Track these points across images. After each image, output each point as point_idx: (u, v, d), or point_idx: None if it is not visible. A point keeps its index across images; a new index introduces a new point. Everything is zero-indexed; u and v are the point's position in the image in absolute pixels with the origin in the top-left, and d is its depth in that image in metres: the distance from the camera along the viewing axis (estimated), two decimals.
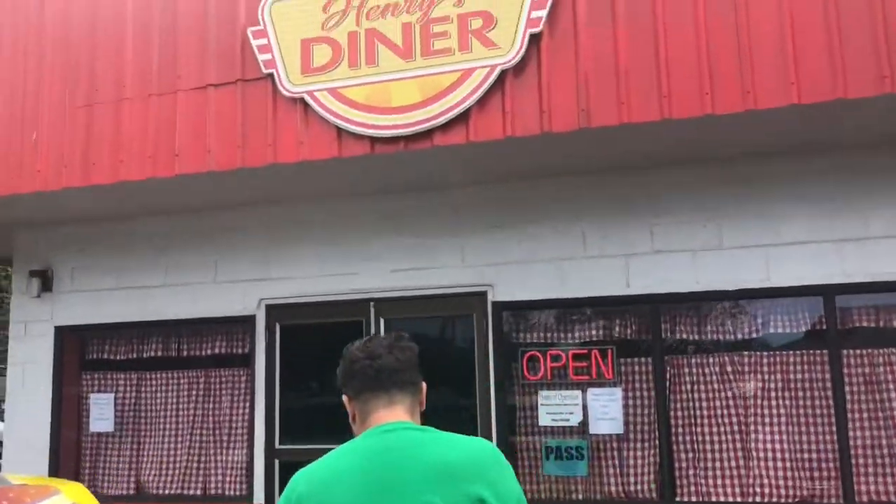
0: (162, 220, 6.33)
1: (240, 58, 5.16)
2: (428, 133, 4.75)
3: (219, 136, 5.11)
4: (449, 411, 5.83)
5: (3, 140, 5.56)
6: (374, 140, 4.83)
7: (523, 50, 4.57)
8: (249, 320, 6.09)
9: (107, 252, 6.50)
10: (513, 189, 5.61)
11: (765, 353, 5.16)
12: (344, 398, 1.89)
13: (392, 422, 1.77)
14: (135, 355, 6.52)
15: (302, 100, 4.96)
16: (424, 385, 1.88)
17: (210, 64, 5.21)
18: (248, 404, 6.10)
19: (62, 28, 5.57)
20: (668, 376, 5.27)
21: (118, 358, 6.56)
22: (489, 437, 5.37)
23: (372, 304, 5.81)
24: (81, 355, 6.66)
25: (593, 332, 5.50)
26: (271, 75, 5.05)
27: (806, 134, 4.79)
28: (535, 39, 4.59)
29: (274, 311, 6.04)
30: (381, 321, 5.79)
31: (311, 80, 4.95)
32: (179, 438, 6.33)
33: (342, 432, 1.88)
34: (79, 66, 5.48)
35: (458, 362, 5.78)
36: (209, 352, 6.35)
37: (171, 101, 5.25)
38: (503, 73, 4.62)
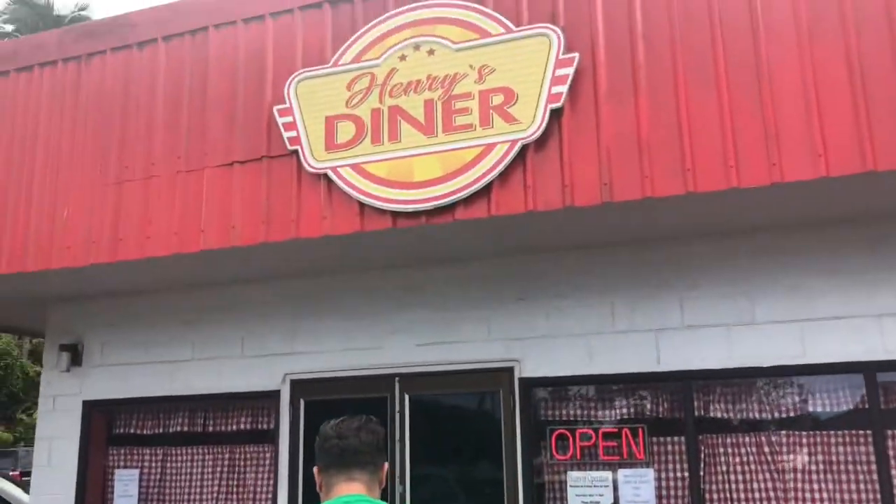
0: (190, 294, 6.36)
1: (266, 135, 5.22)
2: (450, 207, 4.72)
3: (243, 211, 5.15)
4: (475, 489, 5.67)
5: (35, 217, 5.68)
6: (396, 214, 4.81)
7: (544, 125, 4.55)
8: (274, 395, 6.03)
9: (136, 326, 6.53)
10: (539, 261, 5.53)
11: (804, 433, 4.93)
12: (315, 469, 2.22)
13: (351, 494, 2.08)
14: (161, 430, 6.49)
15: (325, 175, 4.99)
16: (386, 465, 2.21)
17: (237, 141, 5.28)
18: (272, 481, 5.99)
19: (96, 107, 5.72)
20: (702, 456, 5.06)
21: (144, 433, 6.53)
22: None
23: (397, 379, 5.72)
24: (108, 430, 6.65)
25: (624, 410, 5.32)
26: (296, 151, 5.09)
27: (837, 205, 4.66)
28: (556, 114, 4.57)
29: (298, 387, 5.97)
30: (406, 397, 5.69)
31: (335, 156, 4.98)
32: None
33: None
34: (110, 145, 5.60)
35: (484, 439, 5.62)
36: (234, 427, 6.29)
37: (197, 178, 5.32)
38: (524, 148, 4.60)
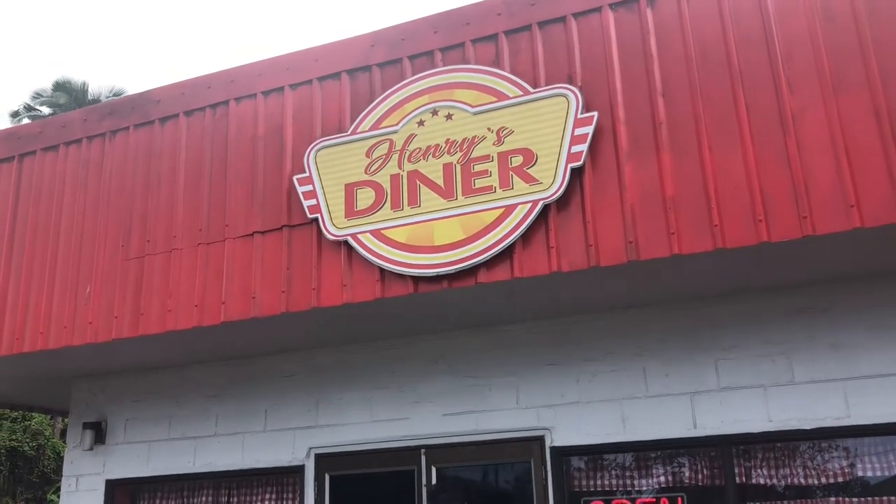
0: (212, 367, 6.28)
1: (286, 204, 5.20)
2: (472, 270, 4.62)
3: (264, 282, 5.09)
4: None
5: (58, 294, 5.67)
6: (417, 279, 4.72)
7: (565, 184, 4.47)
8: (299, 471, 5.86)
9: (159, 402, 6.45)
10: (567, 324, 5.39)
11: (854, 500, 4.65)
12: None
13: None
14: None
15: (345, 242, 4.94)
16: None
17: (257, 212, 5.27)
18: None
19: (119, 183, 5.76)
20: None
21: None
22: None
23: (423, 451, 5.53)
24: None
25: (661, 479, 5.08)
26: (316, 220, 5.05)
27: (875, 258, 4.49)
28: (576, 173, 4.50)
29: (323, 461, 5.80)
30: (433, 469, 5.49)
31: (355, 223, 4.93)
32: None
33: None
34: (132, 219, 5.62)
35: None
36: None
37: (219, 250, 5.29)
38: (546, 208, 4.51)
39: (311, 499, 5.76)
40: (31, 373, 6.53)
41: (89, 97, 28.73)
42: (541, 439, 5.30)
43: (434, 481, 5.44)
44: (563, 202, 4.50)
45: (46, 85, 29.65)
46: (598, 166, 4.49)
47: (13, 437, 27.15)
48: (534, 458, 5.30)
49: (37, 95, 29.43)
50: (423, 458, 5.50)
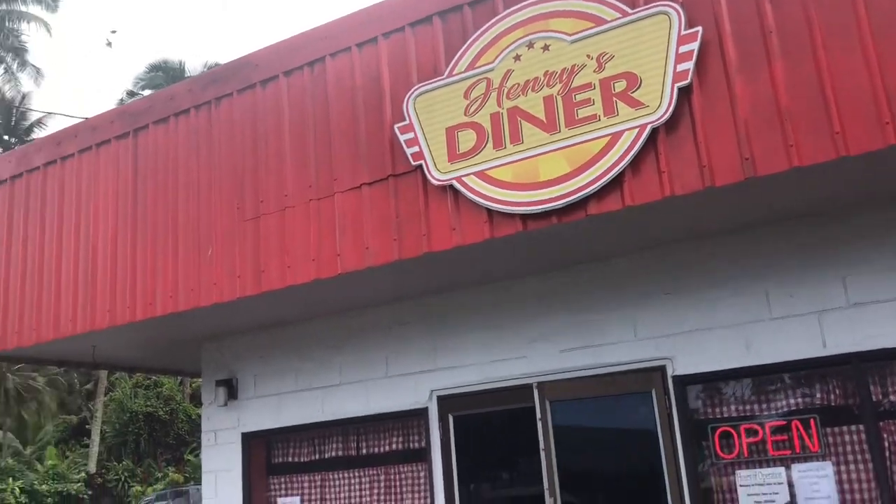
0: (332, 320, 6.48)
1: (389, 154, 5.25)
2: (581, 203, 4.56)
3: (375, 232, 5.18)
4: (634, 498, 5.43)
5: (182, 258, 5.93)
6: (525, 217, 4.70)
7: (673, 105, 4.33)
8: (422, 413, 6.02)
9: (284, 356, 6.71)
10: (681, 252, 5.28)
11: None
12: None
13: None
14: (316, 456, 6.61)
15: (451, 186, 4.95)
16: None
17: (362, 164, 5.34)
18: (429, 500, 5.96)
19: (228, 148, 5.93)
20: (886, 444, 4.62)
21: (301, 460, 6.66)
22: None
23: (542, 387, 5.57)
24: (267, 460, 6.83)
25: (791, 401, 4.96)
26: (420, 167, 5.09)
27: None
28: (684, 92, 4.35)
29: (445, 402, 5.93)
30: (549, 405, 5.53)
31: (459, 166, 4.94)
32: None
33: None
34: (244, 182, 5.79)
35: (639, 444, 5.40)
36: (387, 448, 6.31)
37: (329, 204, 5.41)
38: (654, 132, 4.39)
39: (436, 439, 5.91)
40: (161, 335, 6.88)
41: (187, 74, 29.63)
42: (662, 369, 5.25)
43: (550, 417, 5.47)
44: (671, 124, 4.36)
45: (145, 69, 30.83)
46: (707, 83, 4.32)
47: (148, 403, 29.03)
48: (656, 389, 5.26)
49: (137, 80, 30.60)
50: (542, 394, 5.54)
